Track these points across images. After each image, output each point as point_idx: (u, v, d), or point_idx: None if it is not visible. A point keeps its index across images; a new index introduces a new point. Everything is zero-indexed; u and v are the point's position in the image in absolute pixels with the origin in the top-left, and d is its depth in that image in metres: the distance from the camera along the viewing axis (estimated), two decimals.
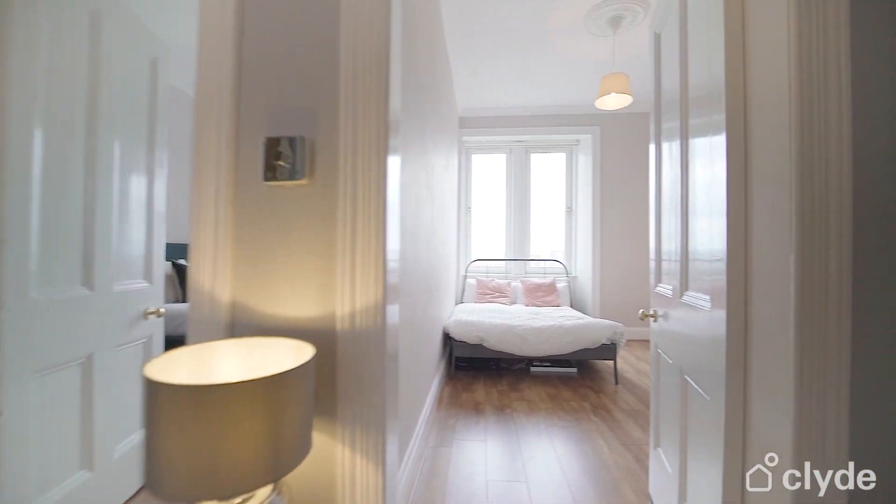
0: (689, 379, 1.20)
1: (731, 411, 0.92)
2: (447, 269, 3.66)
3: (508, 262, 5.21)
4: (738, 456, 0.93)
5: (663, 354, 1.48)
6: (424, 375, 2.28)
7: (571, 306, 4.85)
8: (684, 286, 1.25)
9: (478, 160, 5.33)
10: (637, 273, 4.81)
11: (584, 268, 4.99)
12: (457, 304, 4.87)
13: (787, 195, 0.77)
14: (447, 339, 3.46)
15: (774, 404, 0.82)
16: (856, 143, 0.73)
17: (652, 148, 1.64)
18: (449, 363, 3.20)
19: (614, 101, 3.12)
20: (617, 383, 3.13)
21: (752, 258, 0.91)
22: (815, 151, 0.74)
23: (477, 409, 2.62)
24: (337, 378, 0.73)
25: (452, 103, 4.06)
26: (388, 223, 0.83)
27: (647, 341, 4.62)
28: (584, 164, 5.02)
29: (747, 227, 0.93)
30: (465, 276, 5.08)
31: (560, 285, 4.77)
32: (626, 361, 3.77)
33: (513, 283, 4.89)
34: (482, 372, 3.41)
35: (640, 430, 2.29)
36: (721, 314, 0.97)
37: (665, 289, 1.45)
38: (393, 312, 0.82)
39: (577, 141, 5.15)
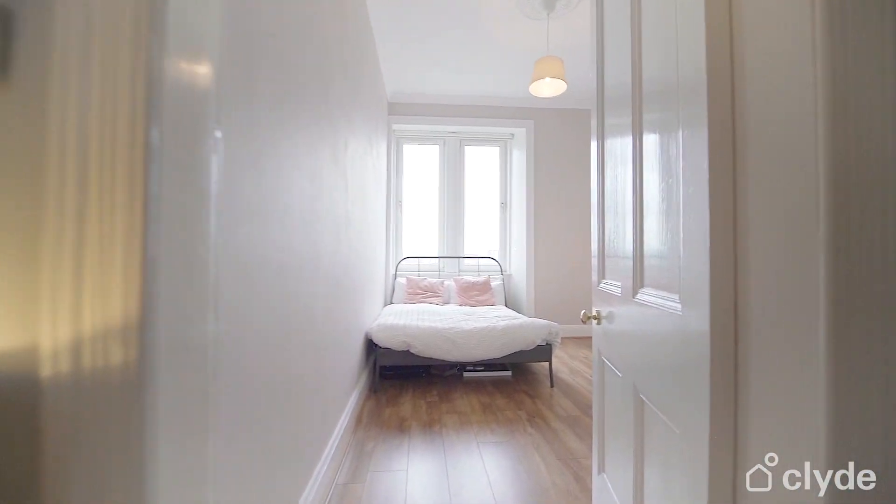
0: (646, 400, 0.96)
1: (718, 454, 0.67)
2: (372, 267, 3.28)
3: (441, 259, 4.93)
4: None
5: (609, 364, 1.25)
6: (335, 394, 1.90)
7: (506, 305, 4.69)
8: (639, 282, 1.01)
9: (410, 151, 4.99)
10: (572, 270, 4.77)
11: (518, 265, 4.86)
12: (386, 304, 4.49)
13: (802, 186, 0.54)
14: (371, 345, 3.08)
15: (786, 421, 0.57)
16: None
17: (594, 145, 1.40)
18: (374, 373, 2.84)
19: (549, 88, 2.94)
20: (552, 386, 2.96)
21: (744, 255, 0.67)
22: (851, 146, 0.51)
23: (402, 426, 2.28)
24: (43, 476, 0.37)
25: (379, 84, 3.68)
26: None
27: (581, 339, 4.59)
28: (519, 158, 4.89)
29: (736, 223, 0.69)
30: (396, 275, 4.72)
31: (495, 284, 4.59)
32: (561, 360, 3.65)
33: (446, 282, 4.61)
34: (411, 381, 3.08)
35: (577, 441, 2.10)
36: (698, 316, 0.72)
37: (611, 286, 1.22)
38: (178, 330, 0.46)
39: (512, 135, 5.01)
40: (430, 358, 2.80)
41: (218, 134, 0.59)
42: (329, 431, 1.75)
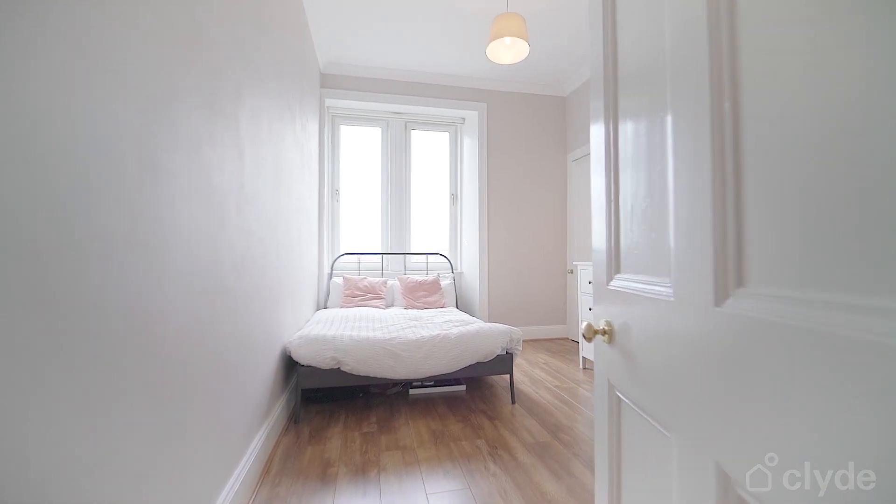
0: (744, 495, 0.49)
1: None
2: (297, 264, 2.66)
3: (385, 256, 4.37)
4: None
5: (637, 410, 0.79)
6: (226, 438, 1.30)
7: (458, 307, 4.22)
8: (732, 280, 0.55)
9: (348, 133, 4.36)
10: (529, 267, 4.40)
11: (470, 263, 4.42)
12: (320, 309, 3.84)
13: None
14: (292, 363, 2.46)
15: None
16: None
17: (598, 128, 0.94)
18: (296, 398, 2.23)
19: (509, 52, 2.50)
20: (514, 402, 2.52)
21: None
22: None
23: (325, 474, 1.71)
24: None
25: (306, 47, 3.05)
26: None
27: (539, 341, 4.23)
28: (470, 146, 4.44)
29: None
30: (331, 274, 4.08)
31: (445, 283, 4.10)
32: (520, 369, 3.24)
33: (389, 282, 4.06)
34: (343, 406, 2.50)
35: (553, 480, 1.66)
36: None
37: (645, 285, 0.76)
38: None
39: (463, 119, 4.55)
40: (367, 377, 2.25)
41: None
42: (214, 492, 1.16)
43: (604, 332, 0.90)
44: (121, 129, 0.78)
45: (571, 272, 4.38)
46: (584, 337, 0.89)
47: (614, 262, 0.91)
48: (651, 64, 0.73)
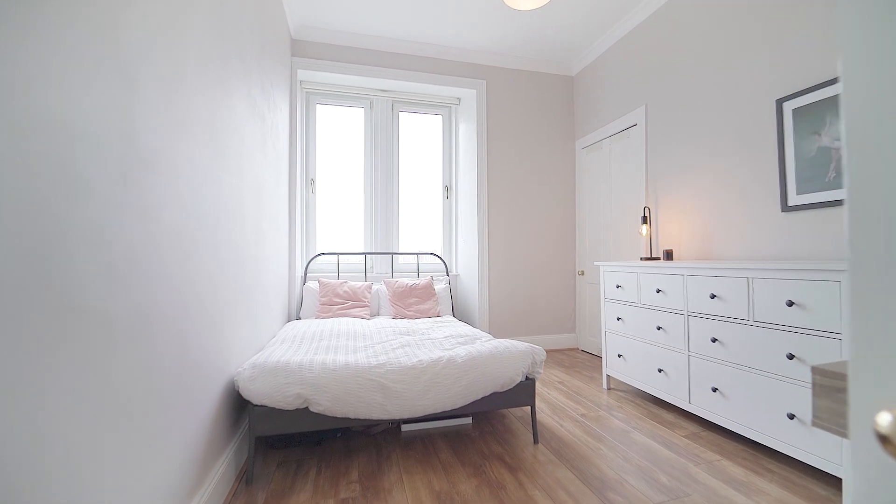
0: None
1: None
2: (257, 266, 2.05)
3: (369, 256, 3.77)
4: None
5: None
6: None
7: (454, 314, 3.65)
8: None
9: (326, 114, 3.76)
10: (537, 267, 3.86)
11: (467, 263, 3.86)
12: (290, 320, 3.23)
13: None
14: (243, 402, 1.86)
15: None
16: None
17: None
18: (249, 448, 1.62)
19: None
20: (537, 442, 1.97)
21: None
22: None
23: None
24: None
25: (273, 3, 2.45)
26: None
27: (546, 352, 3.69)
28: (467, 132, 3.89)
29: None
30: (306, 278, 3.46)
31: (439, 287, 3.53)
32: None
33: (375, 287, 3.47)
34: (315, 453, 1.91)
35: None
36: None
37: None
38: None
39: (458, 100, 3.99)
40: (348, 419, 1.67)
41: None
42: None
43: None
44: None
45: (582, 274, 3.86)
46: (882, 437, 0.35)
47: None
48: None
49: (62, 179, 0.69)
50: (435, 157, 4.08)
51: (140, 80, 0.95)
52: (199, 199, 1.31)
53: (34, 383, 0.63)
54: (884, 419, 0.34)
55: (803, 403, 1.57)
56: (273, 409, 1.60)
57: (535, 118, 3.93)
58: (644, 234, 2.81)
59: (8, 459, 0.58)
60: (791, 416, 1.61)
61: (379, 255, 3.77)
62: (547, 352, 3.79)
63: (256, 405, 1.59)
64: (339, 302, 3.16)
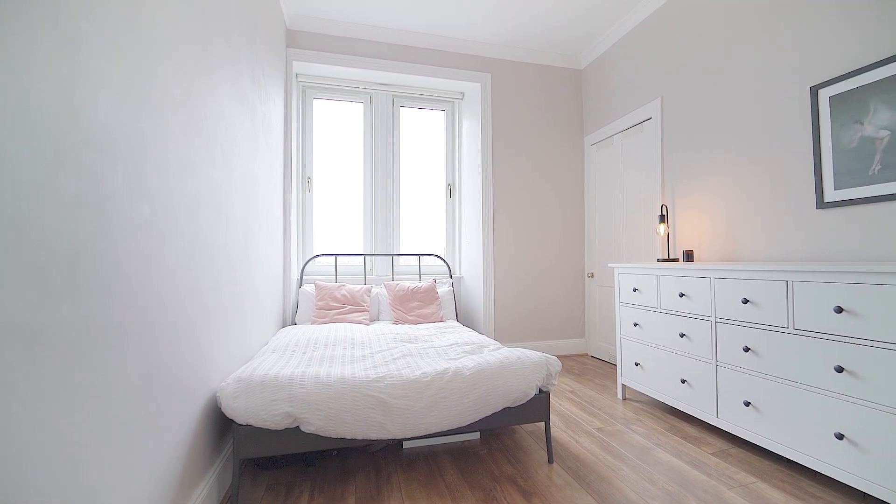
0: None
1: None
2: (243, 271, 1.88)
3: (368, 258, 3.60)
4: None
5: None
6: None
7: (457, 319, 3.48)
8: None
9: (323, 108, 3.59)
10: (541, 272, 3.69)
11: (471, 266, 3.69)
12: (285, 326, 3.06)
13: None
14: (227, 420, 1.68)
15: None
16: None
17: None
18: (235, 471, 1.44)
19: None
20: (551, 461, 1.79)
21: None
22: None
23: None
24: None
25: None
26: None
27: (563, 357, 3.51)
28: (470, 127, 3.72)
29: None
30: (301, 280, 3.29)
31: (442, 290, 3.36)
32: None
33: (374, 290, 3.30)
34: (308, 475, 1.73)
35: None
36: None
37: None
38: None
39: (462, 94, 3.83)
40: (342, 439, 1.49)
41: None
42: None
43: None
44: None
45: (592, 276, 3.69)
46: None
47: None
48: None
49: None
50: (437, 155, 3.91)
51: (86, 42, 0.78)
52: (172, 191, 1.14)
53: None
54: None
55: (855, 422, 1.40)
56: (260, 428, 1.42)
57: (543, 113, 3.76)
58: (662, 233, 2.63)
59: None
60: (840, 436, 1.43)
61: (379, 257, 3.60)
62: (560, 357, 3.61)
63: (241, 424, 1.42)
64: (337, 306, 2.99)
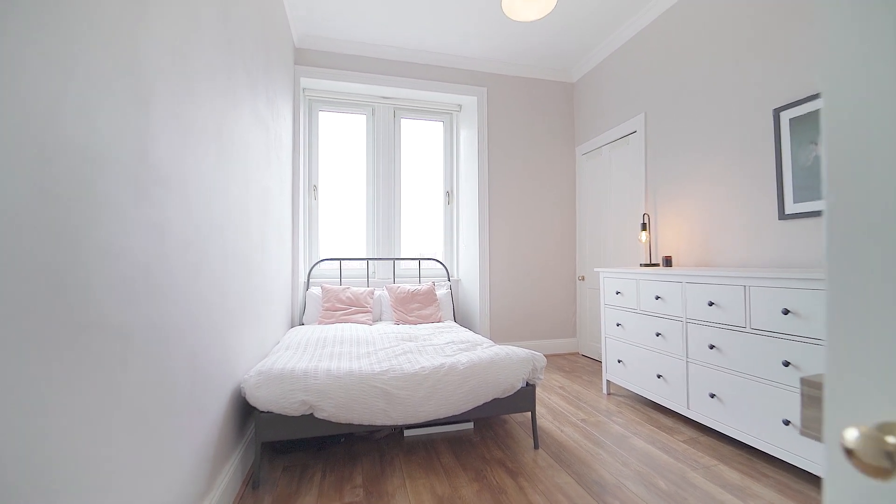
0: None
1: None
2: (259, 275, 2.09)
3: (371, 262, 3.81)
4: None
5: None
6: None
7: (455, 320, 3.69)
8: None
9: (328, 120, 3.80)
10: (534, 275, 3.90)
11: (469, 269, 3.89)
12: (293, 326, 3.26)
13: None
14: (250, 408, 1.89)
15: None
16: None
17: None
18: (256, 453, 1.65)
19: (533, 6, 1.99)
20: (537, 447, 2.00)
21: None
22: None
23: None
24: None
25: (274, 7, 2.50)
26: None
27: (547, 357, 3.72)
28: (468, 138, 3.93)
29: None
30: (308, 283, 3.50)
31: (441, 292, 3.57)
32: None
33: (377, 292, 3.50)
34: (320, 457, 1.94)
35: None
36: None
37: None
38: None
39: (459, 106, 4.04)
40: (350, 424, 1.70)
41: None
42: None
43: None
44: None
45: (583, 279, 3.90)
46: (847, 452, 0.38)
47: None
48: None
49: (81, 199, 0.73)
50: (436, 163, 4.12)
51: (152, 98, 0.99)
52: (208, 211, 1.35)
53: (48, 396, 0.67)
54: (850, 434, 0.38)
55: (798, 410, 1.60)
56: (279, 415, 1.63)
57: (536, 124, 3.97)
58: (644, 240, 2.84)
59: (24, 470, 0.61)
60: (786, 423, 1.63)
61: (381, 261, 3.81)
62: (548, 356, 3.82)
63: (262, 411, 1.63)
64: (342, 307, 3.19)
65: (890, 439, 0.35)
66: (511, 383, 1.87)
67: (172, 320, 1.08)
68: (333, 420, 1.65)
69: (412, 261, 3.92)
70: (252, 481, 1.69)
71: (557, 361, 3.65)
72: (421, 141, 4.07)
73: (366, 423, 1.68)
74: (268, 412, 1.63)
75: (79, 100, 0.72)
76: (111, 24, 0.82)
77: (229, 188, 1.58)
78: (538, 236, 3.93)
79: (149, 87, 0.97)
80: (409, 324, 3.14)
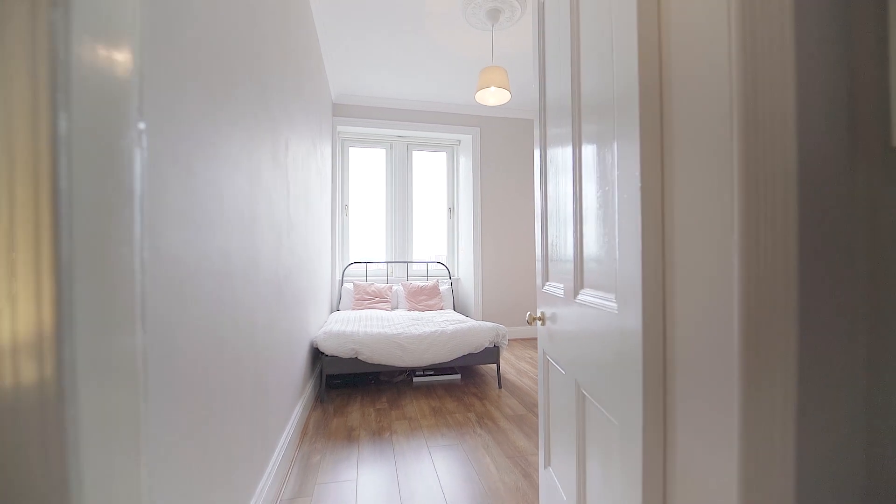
0: (587, 395, 1.01)
1: (651, 441, 0.73)
2: (316, 274, 3.17)
3: (390, 264, 4.88)
4: (658, 490, 0.73)
5: (553, 363, 1.30)
6: (278, 405, 1.80)
7: (455, 309, 4.73)
8: (579, 284, 1.06)
9: (356, 154, 4.90)
10: (517, 274, 4.91)
11: (466, 269, 4.93)
12: (333, 311, 4.36)
13: (720, 196, 0.60)
14: (317, 354, 2.97)
15: (706, 434, 0.63)
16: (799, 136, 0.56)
17: (537, 154, 1.47)
18: (320, 383, 2.73)
19: (494, 97, 3.02)
20: (500, 387, 3.02)
21: (671, 258, 0.73)
22: (760, 146, 0.57)
23: (350, 436, 2.22)
24: None
25: (322, 84, 3.59)
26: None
27: (527, 340, 4.73)
28: (465, 165, 4.97)
29: (664, 229, 0.74)
30: (342, 281, 4.60)
31: (443, 288, 4.61)
32: (508, 362, 3.74)
33: (394, 287, 4.57)
34: (359, 389, 3.01)
35: (525, 438, 2.16)
36: (632, 314, 0.77)
37: (555, 288, 1.28)
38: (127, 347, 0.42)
39: (459, 141, 5.08)
40: (380, 364, 2.76)
41: (141, 125, 0.55)
42: (272, 445, 1.66)
43: (540, 319, 1.41)
44: (241, 193, 1.30)
45: None
46: (527, 322, 1.40)
47: (544, 273, 1.42)
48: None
49: (276, 241, 1.80)
50: (441, 185, 5.17)
51: (291, 189, 2.06)
52: (304, 234, 2.43)
53: (276, 318, 1.74)
54: (527, 316, 1.42)
55: None
56: (336, 357, 2.70)
57: (519, 153, 4.97)
58: None
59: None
60: None
61: (397, 263, 4.88)
62: (527, 340, 4.82)
63: (328, 356, 2.70)
64: (368, 298, 4.27)
65: (535, 314, 1.39)
66: (480, 343, 2.90)
67: (298, 291, 2.16)
68: (369, 361, 2.71)
69: (422, 263, 4.97)
70: (320, 398, 2.77)
71: (534, 343, 4.66)
72: (429, 168, 5.13)
73: (389, 364, 2.74)
74: (332, 356, 2.70)
75: (264, 193, 1.79)
76: (279, 158, 1.88)
77: (308, 221, 2.66)
78: (522, 244, 4.94)
79: (289, 185, 2.04)
80: (419, 311, 4.20)
